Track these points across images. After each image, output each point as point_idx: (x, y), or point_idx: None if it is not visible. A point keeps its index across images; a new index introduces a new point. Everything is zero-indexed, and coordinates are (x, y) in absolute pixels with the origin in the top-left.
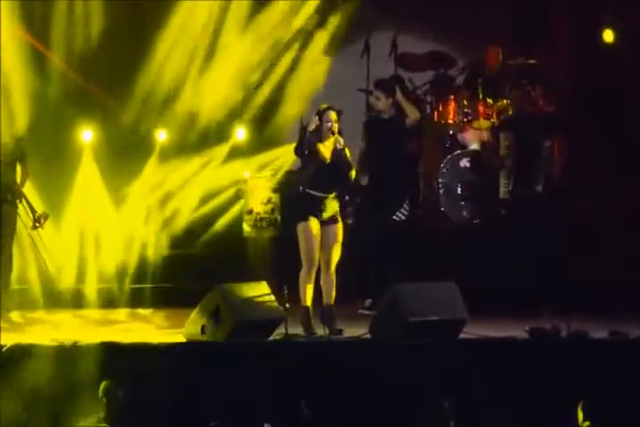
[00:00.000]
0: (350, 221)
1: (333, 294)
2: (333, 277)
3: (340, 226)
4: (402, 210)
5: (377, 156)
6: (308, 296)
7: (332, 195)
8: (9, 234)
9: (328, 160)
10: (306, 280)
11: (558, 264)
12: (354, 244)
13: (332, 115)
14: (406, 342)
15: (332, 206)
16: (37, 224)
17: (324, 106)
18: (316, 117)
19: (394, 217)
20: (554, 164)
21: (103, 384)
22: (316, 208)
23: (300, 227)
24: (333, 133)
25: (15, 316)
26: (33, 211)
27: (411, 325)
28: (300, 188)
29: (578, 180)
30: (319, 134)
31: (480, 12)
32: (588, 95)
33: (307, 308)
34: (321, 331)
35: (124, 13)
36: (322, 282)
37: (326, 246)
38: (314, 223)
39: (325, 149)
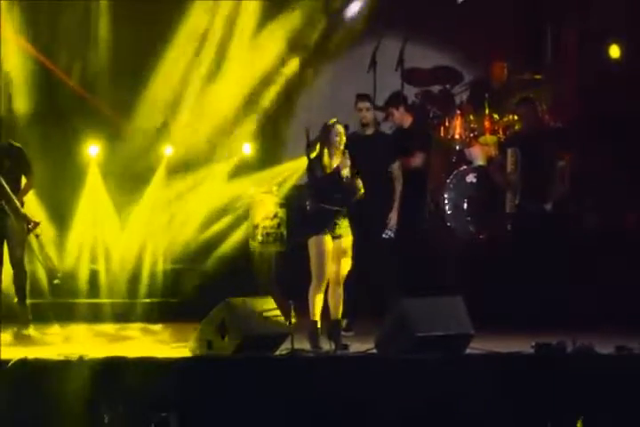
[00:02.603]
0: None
1: (341, 308)
2: (341, 291)
3: (350, 240)
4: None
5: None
6: (317, 311)
7: (345, 209)
8: (19, 247)
9: (342, 174)
10: (316, 294)
11: (564, 279)
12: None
13: (340, 129)
14: (412, 356)
15: (343, 221)
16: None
17: (332, 121)
18: (324, 132)
19: (383, 235)
20: (565, 183)
21: (105, 399)
22: (330, 223)
23: (312, 241)
24: (340, 145)
25: (31, 330)
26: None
27: (417, 339)
28: (314, 202)
29: (585, 195)
30: (329, 149)
31: (486, 27)
32: (595, 111)
33: (315, 322)
34: (327, 346)
35: (131, 29)
36: (329, 297)
37: (337, 261)
38: (327, 238)
39: (336, 163)
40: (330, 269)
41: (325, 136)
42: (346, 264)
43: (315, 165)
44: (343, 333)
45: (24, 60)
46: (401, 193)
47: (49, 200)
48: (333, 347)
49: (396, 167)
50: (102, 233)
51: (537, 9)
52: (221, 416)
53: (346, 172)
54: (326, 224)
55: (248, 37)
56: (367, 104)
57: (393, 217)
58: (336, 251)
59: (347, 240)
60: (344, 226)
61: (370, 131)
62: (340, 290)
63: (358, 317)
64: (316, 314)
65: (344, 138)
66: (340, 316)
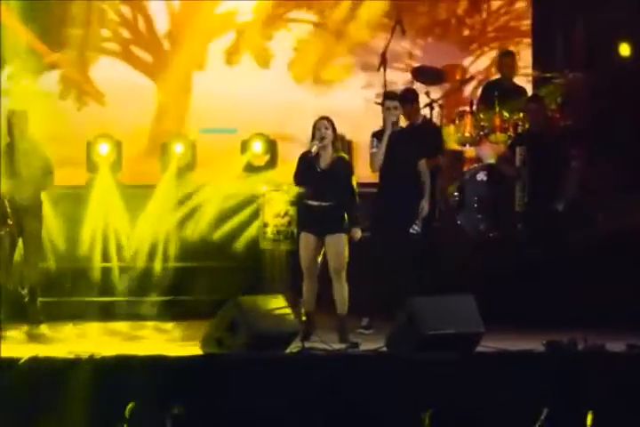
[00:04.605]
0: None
1: (346, 304)
2: (344, 287)
3: (342, 235)
4: (417, 222)
5: (392, 167)
6: (309, 305)
7: (332, 204)
8: (36, 249)
9: (322, 168)
10: (307, 290)
11: (574, 277)
12: (370, 257)
13: (324, 123)
14: (423, 355)
15: (333, 216)
16: None
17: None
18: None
19: (410, 230)
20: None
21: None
22: (316, 218)
23: (300, 237)
24: (323, 139)
25: (43, 329)
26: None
27: (427, 338)
28: (301, 198)
29: (595, 195)
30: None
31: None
32: (605, 109)
33: (308, 313)
34: (337, 344)
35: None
36: (333, 292)
37: (329, 256)
38: (309, 234)
39: (324, 159)
40: (329, 264)
41: (312, 132)
42: (340, 259)
43: (300, 162)
44: (363, 330)
45: (32, 63)
46: (429, 187)
47: (57, 202)
48: (344, 346)
49: (422, 163)
50: (113, 231)
51: (547, 6)
52: (231, 414)
53: (334, 165)
54: (312, 220)
55: (259, 33)
56: (396, 103)
57: (425, 206)
58: (328, 246)
59: (339, 234)
60: (334, 220)
61: (396, 127)
62: (343, 286)
63: (373, 315)
64: (306, 305)
65: (328, 132)
66: (345, 311)
